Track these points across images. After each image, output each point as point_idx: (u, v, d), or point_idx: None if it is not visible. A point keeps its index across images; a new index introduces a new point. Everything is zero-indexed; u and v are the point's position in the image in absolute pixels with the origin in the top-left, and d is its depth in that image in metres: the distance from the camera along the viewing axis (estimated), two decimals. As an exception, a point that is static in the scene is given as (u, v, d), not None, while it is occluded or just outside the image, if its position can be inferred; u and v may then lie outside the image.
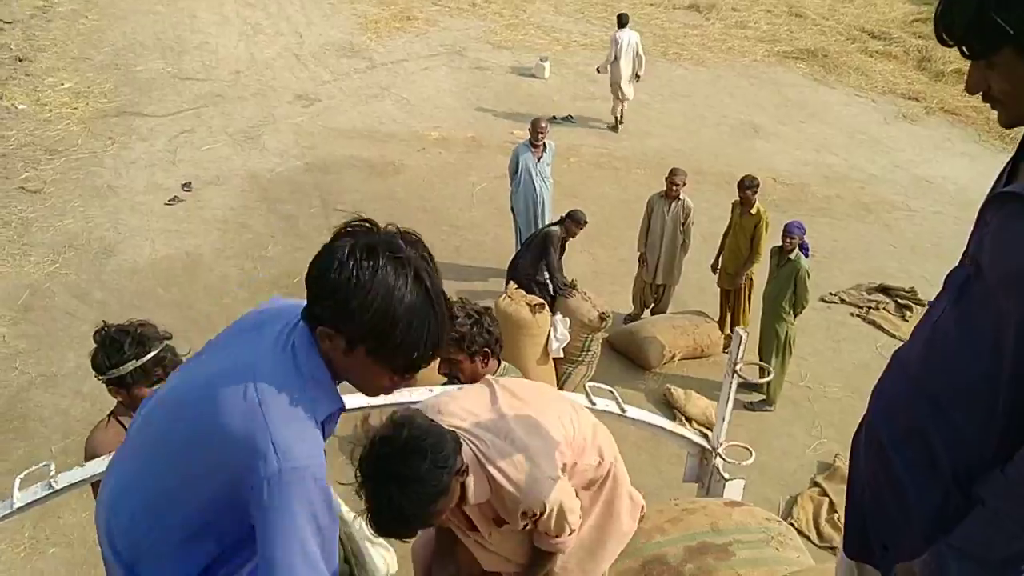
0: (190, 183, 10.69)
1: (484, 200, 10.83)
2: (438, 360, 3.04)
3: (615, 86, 12.80)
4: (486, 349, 3.11)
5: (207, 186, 10.75)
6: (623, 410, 3.08)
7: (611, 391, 3.18)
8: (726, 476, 3.26)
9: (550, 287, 8.04)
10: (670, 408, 8.02)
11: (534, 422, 2.39)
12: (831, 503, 6.87)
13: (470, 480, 2.24)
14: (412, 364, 1.71)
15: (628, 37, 12.53)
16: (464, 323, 3.08)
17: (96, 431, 3.08)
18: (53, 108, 12.45)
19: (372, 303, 1.61)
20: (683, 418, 7.80)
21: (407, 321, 1.63)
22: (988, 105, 1.64)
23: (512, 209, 9.22)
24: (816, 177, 12.28)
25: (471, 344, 3.09)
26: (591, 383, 3.14)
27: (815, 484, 7.14)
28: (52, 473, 2.55)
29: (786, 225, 7.79)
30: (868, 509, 1.92)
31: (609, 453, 2.64)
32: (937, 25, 1.60)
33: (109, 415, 3.12)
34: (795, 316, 7.93)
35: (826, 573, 2.00)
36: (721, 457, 3.29)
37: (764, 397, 8.19)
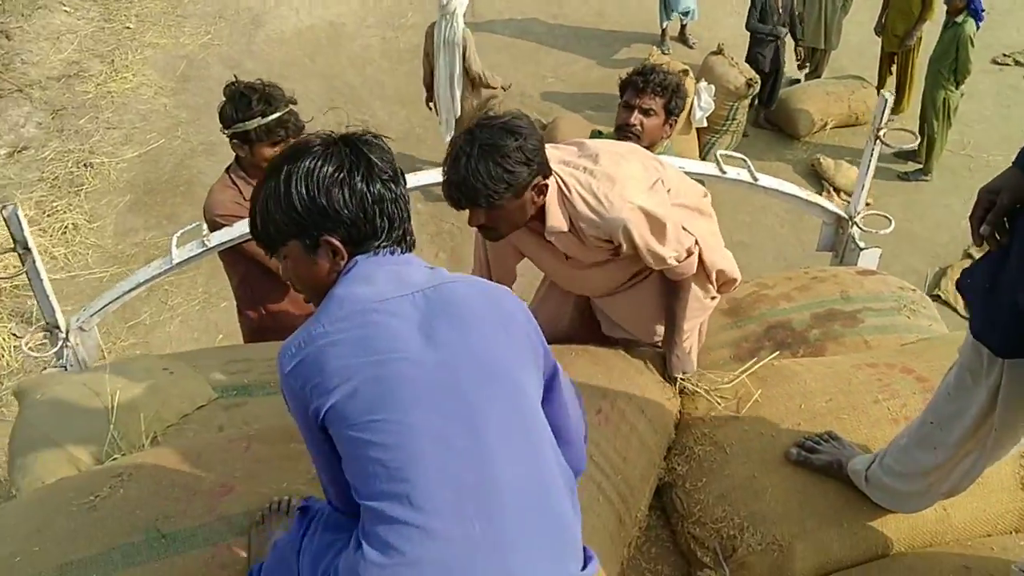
0: (329, -52, 10.53)
1: (630, -42, 10.22)
2: (626, 106, 2.99)
3: None
4: (676, 117, 3.10)
5: (346, -49, 10.57)
6: (755, 178, 2.99)
7: (744, 159, 3.08)
8: (862, 245, 3.17)
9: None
10: (819, 179, 7.75)
11: (619, 156, 2.33)
12: (982, 276, 6.63)
13: (552, 204, 2.22)
14: None
15: None
16: (671, 80, 3.04)
17: (214, 191, 3.08)
18: None
19: None
20: (831, 189, 7.56)
21: None
22: None
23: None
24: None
25: (674, 104, 3.06)
26: (723, 151, 3.06)
27: (967, 255, 6.86)
28: (205, 232, 2.73)
29: (953, -17, 7.13)
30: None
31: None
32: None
33: (226, 172, 3.11)
34: (956, 84, 7.36)
35: (956, 342, 1.92)
36: (858, 226, 3.19)
37: (920, 167, 7.78)
